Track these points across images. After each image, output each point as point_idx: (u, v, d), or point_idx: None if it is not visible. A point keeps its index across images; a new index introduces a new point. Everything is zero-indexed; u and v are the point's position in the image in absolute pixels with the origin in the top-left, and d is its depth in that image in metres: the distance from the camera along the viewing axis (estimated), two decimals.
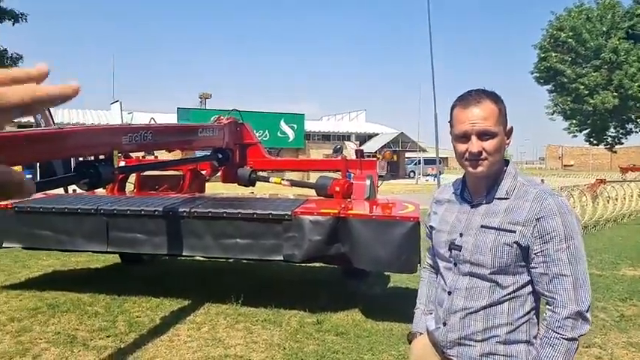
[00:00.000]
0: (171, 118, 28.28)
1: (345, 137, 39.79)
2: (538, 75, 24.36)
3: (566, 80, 22.34)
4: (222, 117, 5.55)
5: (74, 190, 5.25)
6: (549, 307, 1.33)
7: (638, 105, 21.15)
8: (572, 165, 69.07)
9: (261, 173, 5.90)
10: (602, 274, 6.03)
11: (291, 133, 33.68)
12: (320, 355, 3.52)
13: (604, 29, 21.70)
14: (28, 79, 0.42)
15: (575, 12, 22.72)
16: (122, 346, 3.57)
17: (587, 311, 1.30)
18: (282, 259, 4.07)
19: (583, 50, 22.03)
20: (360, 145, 35.50)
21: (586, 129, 24.58)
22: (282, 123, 33.27)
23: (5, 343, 3.58)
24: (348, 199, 4.79)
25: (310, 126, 37.64)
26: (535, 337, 1.38)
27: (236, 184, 5.69)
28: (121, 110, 27.23)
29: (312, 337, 3.82)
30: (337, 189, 5.01)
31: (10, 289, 4.95)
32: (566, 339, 1.28)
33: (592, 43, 21.74)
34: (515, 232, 1.33)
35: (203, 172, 6.22)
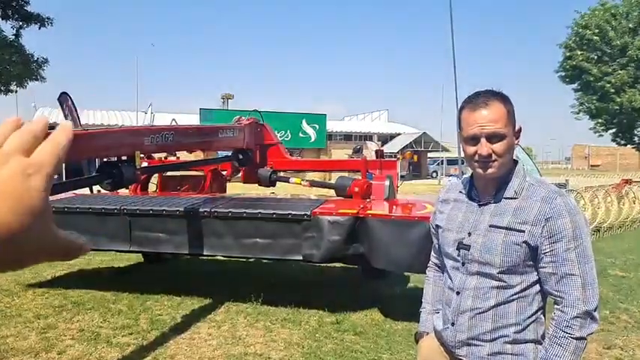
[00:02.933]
0: (193, 119, 28.71)
1: (367, 137, 39.65)
2: (563, 74, 23.86)
3: (591, 79, 21.83)
4: (242, 118, 5.60)
5: (98, 191, 5.38)
6: (558, 307, 1.33)
7: None
8: (599, 165, 67.32)
9: (281, 174, 5.93)
10: (627, 275, 5.88)
11: (312, 134, 33.72)
12: (338, 354, 3.52)
13: (630, 26, 21.13)
14: (43, 134, 0.41)
15: (601, 10, 22.18)
16: (144, 344, 3.64)
17: (595, 310, 1.30)
18: (301, 258, 4.09)
19: (609, 48, 21.50)
20: (382, 145, 35.36)
21: (612, 128, 23.94)
22: (304, 123, 33.34)
23: (31, 339, 3.69)
24: (368, 200, 4.78)
25: (332, 126, 37.64)
26: (542, 336, 1.38)
27: (257, 185, 5.74)
28: (151, 112, 27.78)
29: (331, 337, 3.83)
30: (356, 189, 5.00)
31: (36, 287, 5.09)
32: (575, 338, 1.28)
33: (618, 41, 21.19)
34: (524, 231, 1.34)
35: (224, 173, 6.30)
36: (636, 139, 24.21)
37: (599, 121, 23.83)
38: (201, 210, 4.29)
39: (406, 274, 5.43)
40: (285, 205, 4.50)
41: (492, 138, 1.35)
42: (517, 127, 1.42)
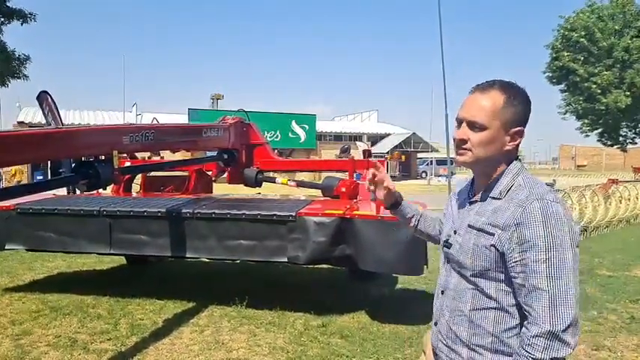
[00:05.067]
0: (183, 119, 28.44)
1: (357, 137, 39.67)
2: (550, 74, 24.09)
3: (578, 79, 22.06)
4: (228, 117, 5.50)
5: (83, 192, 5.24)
6: (525, 322, 1.21)
7: None
8: (585, 165, 68.12)
9: (268, 174, 5.84)
10: (614, 274, 5.88)
11: (302, 134, 33.66)
12: (323, 359, 3.43)
13: (616, 28, 21.39)
14: None
15: (587, 11, 22.41)
16: (123, 350, 3.52)
17: (564, 332, 1.14)
18: (286, 260, 4.01)
19: (595, 49, 21.73)
20: (372, 146, 35.41)
21: (598, 128, 24.21)
22: (294, 123, 33.26)
23: (4, 346, 3.54)
24: (355, 200, 4.70)
25: (322, 126, 37.60)
26: None
27: (242, 185, 5.64)
28: (137, 112, 27.51)
29: (317, 340, 3.74)
30: (343, 190, 4.93)
31: (13, 291, 4.94)
32: (535, 359, 1.15)
33: (604, 43, 21.43)
34: (493, 234, 1.25)
35: (209, 173, 6.18)
36: (621, 139, 24.51)
37: (586, 121, 24.08)
38: (184, 211, 4.19)
39: (393, 275, 5.36)
40: (270, 205, 4.41)
41: (473, 126, 1.29)
42: (515, 129, 1.29)
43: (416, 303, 4.82)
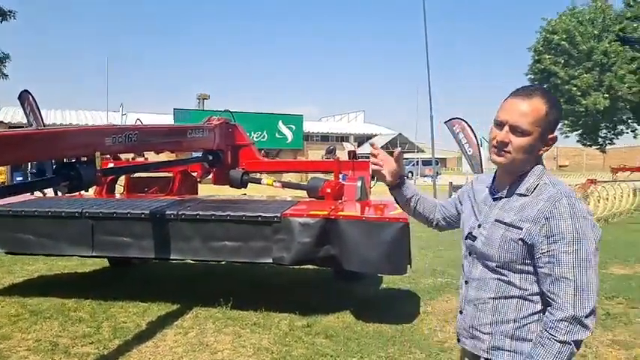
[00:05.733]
0: (169, 120, 28.19)
1: (344, 138, 39.83)
2: (532, 76, 24.45)
3: (559, 82, 22.45)
4: (213, 118, 5.49)
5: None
6: (549, 308, 1.31)
7: (627, 106, 21.26)
8: (567, 165, 69.27)
9: (253, 175, 5.84)
10: None
11: (289, 134, 33.64)
12: (308, 359, 3.45)
13: (595, 32, 21.83)
14: None
15: (568, 15, 22.84)
16: (105, 353, 3.48)
17: (586, 317, 1.25)
18: (271, 261, 4.01)
19: (575, 52, 22.15)
20: (358, 146, 35.54)
21: (578, 130, 24.67)
22: (281, 124, 33.23)
23: None
24: (339, 201, 4.73)
25: (309, 127, 37.63)
26: None
27: (228, 186, 5.63)
28: (123, 113, 27.18)
29: (302, 341, 3.75)
30: (328, 190, 4.96)
31: None
32: (558, 341, 1.25)
33: (584, 46, 21.85)
34: (522, 229, 1.33)
35: (194, 174, 6.15)
36: (600, 140, 25.01)
37: (566, 122, 24.50)
38: (168, 212, 4.16)
39: (378, 275, 5.40)
40: (255, 207, 4.41)
41: (515, 130, 1.34)
42: (552, 136, 1.39)
43: (400, 302, 4.86)
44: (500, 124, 1.38)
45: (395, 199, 1.81)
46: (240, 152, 5.67)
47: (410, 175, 36.37)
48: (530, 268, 1.35)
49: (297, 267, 5.17)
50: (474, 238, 1.46)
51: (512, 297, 1.37)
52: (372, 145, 1.79)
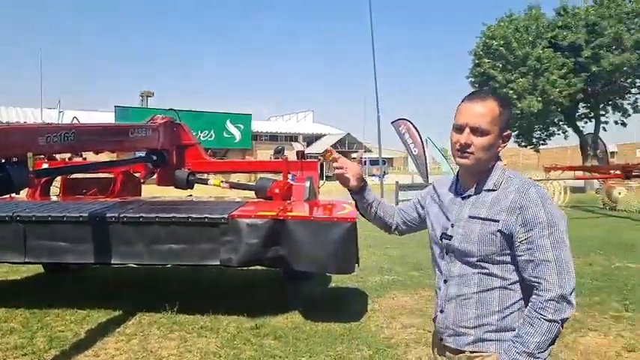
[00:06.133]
0: (110, 118, 26.97)
1: (293, 138, 39.79)
2: (473, 80, 25.55)
3: (497, 85, 23.55)
4: (157, 116, 5.32)
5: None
6: (534, 291, 1.36)
7: (558, 109, 22.70)
8: (505, 164, 72.72)
9: (200, 175, 5.71)
10: None
11: (237, 134, 33.18)
12: None
13: (530, 39, 23.11)
14: None
15: (506, 22, 24.04)
16: None
17: (570, 294, 1.33)
18: (219, 263, 3.95)
19: (512, 58, 23.34)
20: (307, 146, 35.61)
21: (515, 131, 26.06)
22: (229, 123, 32.69)
23: None
24: (288, 201, 4.73)
25: (257, 126, 37.27)
26: None
27: (173, 187, 5.48)
28: (60, 110, 25.65)
29: (250, 343, 3.72)
30: (277, 191, 4.95)
31: None
32: (547, 320, 1.31)
33: (520, 52, 23.07)
34: (498, 221, 1.39)
35: (137, 175, 5.94)
36: (534, 140, 26.57)
37: None
38: (108, 215, 3.99)
39: (327, 275, 5.45)
40: (201, 208, 4.33)
41: (475, 131, 1.41)
42: (506, 133, 1.47)
43: (348, 300, 4.94)
44: (460, 128, 1.44)
45: (356, 205, 1.82)
46: (186, 152, 5.54)
47: None
48: (509, 258, 1.41)
49: (245, 268, 5.13)
50: (450, 237, 1.49)
51: (494, 288, 1.43)
52: (329, 151, 1.79)
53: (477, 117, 1.41)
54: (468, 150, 1.43)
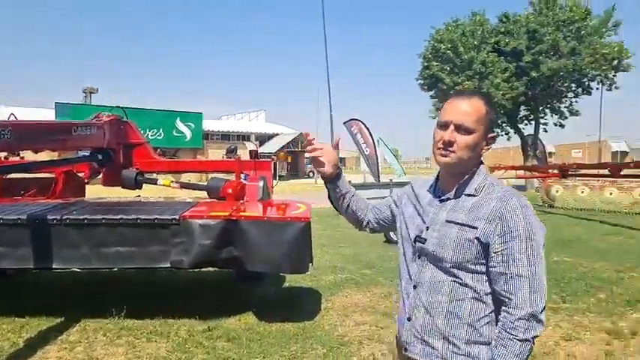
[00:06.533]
0: (50, 115, 25.54)
1: (245, 137, 39.35)
2: (422, 82, 26.30)
3: (445, 87, 24.37)
4: (102, 114, 5.11)
5: None
6: (504, 308, 1.31)
7: (502, 111, 23.80)
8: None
9: (149, 175, 5.54)
10: None
11: (188, 133, 32.39)
12: None
13: (475, 43, 24.08)
14: None
15: (452, 26, 24.91)
16: None
17: (541, 313, 1.29)
18: (169, 265, 3.85)
19: (459, 61, 24.23)
20: (260, 146, 35.31)
21: None
22: (179, 122, 31.85)
23: None
24: (241, 201, 4.68)
25: (209, 125, 36.57)
26: None
27: (120, 188, 5.27)
28: None
29: (202, 346, 3.65)
30: (230, 191, 4.88)
31: None
32: (519, 340, 1.27)
33: (466, 56, 23.97)
34: (477, 228, 1.33)
35: (80, 175, 5.67)
36: None
37: None
38: (50, 217, 3.79)
39: (281, 275, 5.44)
40: (151, 209, 4.20)
41: (459, 129, 1.36)
42: (491, 134, 1.42)
43: (302, 300, 4.95)
44: (444, 125, 1.39)
45: (329, 195, 1.72)
46: (134, 151, 5.36)
47: (312, 174, 37.14)
48: (483, 268, 1.35)
49: (196, 270, 5.02)
50: (424, 240, 1.43)
51: (466, 299, 1.36)
52: (305, 134, 1.69)
53: (462, 114, 1.37)
54: (450, 148, 1.38)
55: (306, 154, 1.62)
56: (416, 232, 1.47)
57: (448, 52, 24.20)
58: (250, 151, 5.62)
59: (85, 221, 3.80)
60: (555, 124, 24.60)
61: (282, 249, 3.77)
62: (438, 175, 1.53)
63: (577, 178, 13.14)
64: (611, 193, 13.73)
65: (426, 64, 25.71)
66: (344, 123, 15.87)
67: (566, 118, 24.60)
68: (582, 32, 22.56)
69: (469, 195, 1.40)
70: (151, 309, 4.26)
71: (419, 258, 1.45)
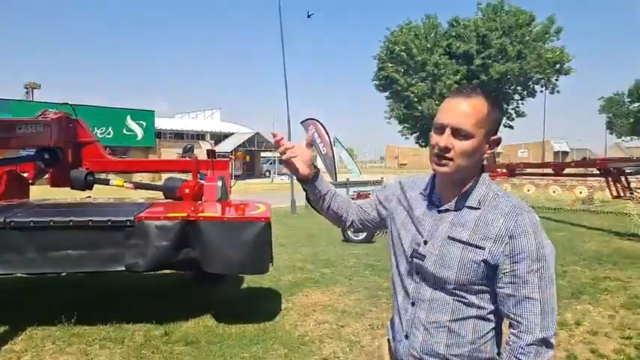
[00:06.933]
0: None
1: (200, 136, 38.60)
2: (377, 83, 26.76)
3: (399, 88, 24.94)
4: (49, 111, 4.86)
5: None
6: (513, 331, 1.22)
7: None
8: (406, 164, 77.41)
9: (100, 175, 5.32)
10: None
11: (139, 131, 31.38)
12: None
13: (428, 46, 24.78)
14: None
15: (406, 29, 25.51)
16: None
17: (552, 338, 1.19)
18: (124, 269, 3.71)
19: (412, 63, 24.84)
20: (215, 145, 34.72)
21: (416, 132, 27.79)
22: (129, 120, 30.77)
23: None
24: (199, 202, 4.58)
25: (161, 124, 35.61)
26: (498, 354, 1.29)
27: (69, 188, 5.03)
28: None
29: (160, 351, 3.55)
30: (187, 191, 4.77)
31: None
32: None
33: (419, 57, 24.62)
34: (484, 248, 1.21)
35: (24, 175, 5.37)
36: None
37: (406, 125, 27.43)
38: None
39: (239, 275, 5.38)
40: (104, 210, 4.04)
41: (457, 133, 1.21)
42: (495, 137, 1.27)
43: (261, 300, 4.91)
44: (440, 128, 1.24)
45: (307, 196, 1.57)
46: (83, 150, 5.13)
47: (268, 173, 36.94)
48: (488, 288, 1.25)
49: (152, 273, 4.87)
50: (422, 257, 1.29)
51: (469, 317, 1.26)
52: (274, 134, 1.50)
53: (460, 117, 1.21)
54: (447, 155, 1.22)
55: (281, 157, 1.47)
56: (413, 247, 1.33)
57: (402, 53, 24.75)
58: (208, 151, 5.52)
59: (32, 224, 3.60)
60: (505, 126, 25.77)
61: (242, 250, 3.72)
62: (433, 178, 1.38)
63: (524, 177, 13.77)
64: (554, 191, 14.52)
65: (380, 65, 26.19)
66: (301, 122, 15.86)
67: (513, 119, 25.78)
68: (527, 38, 23.71)
69: (472, 207, 1.26)
70: (104, 314, 4.10)
71: (416, 274, 1.33)
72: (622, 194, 9.64)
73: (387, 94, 27.28)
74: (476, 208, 1.25)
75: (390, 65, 25.25)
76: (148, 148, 31.75)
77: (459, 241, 1.24)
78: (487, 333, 1.27)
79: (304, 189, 1.55)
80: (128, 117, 30.94)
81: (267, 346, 3.69)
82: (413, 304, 1.33)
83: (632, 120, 59.33)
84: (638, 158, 10.19)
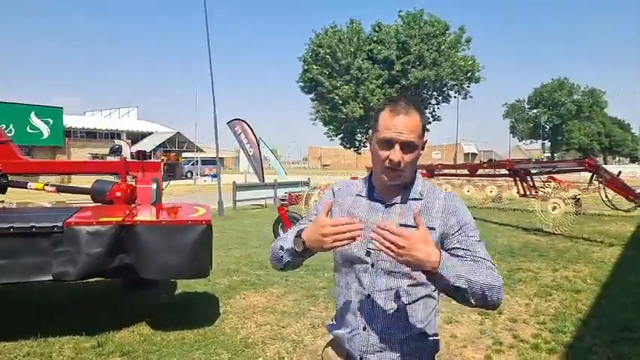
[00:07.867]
0: None
1: (115, 135, 36.46)
2: (302, 84, 27.02)
3: (324, 91, 25.39)
4: None
5: None
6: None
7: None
8: (329, 165, 78.84)
9: (14, 178, 4.88)
10: None
11: (45, 129, 29.04)
12: None
13: (352, 50, 25.49)
14: None
15: (331, 32, 26.02)
16: None
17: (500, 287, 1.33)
18: (51, 278, 3.45)
19: (337, 66, 25.40)
20: (132, 144, 32.97)
21: (341, 134, 28.45)
22: (34, 116, 28.33)
23: None
24: (133, 205, 4.38)
25: (71, 121, 33.15)
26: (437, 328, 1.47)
27: None
28: None
29: None
30: (118, 194, 4.52)
31: None
32: (488, 267, 1.32)
33: (343, 61, 25.24)
34: (435, 228, 1.37)
35: None
36: (357, 143, 29.43)
37: (331, 127, 27.98)
38: None
39: (172, 280, 5.21)
40: (25, 215, 3.72)
41: (406, 147, 1.35)
42: (425, 140, 1.43)
43: (199, 305, 4.80)
44: (388, 144, 1.36)
45: (288, 262, 1.51)
46: None
47: (190, 174, 35.77)
48: None
49: (79, 281, 4.57)
50: (379, 250, 1.32)
51: (421, 297, 1.40)
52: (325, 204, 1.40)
53: (407, 133, 1.35)
54: (399, 168, 1.36)
55: (325, 240, 1.33)
56: (367, 244, 1.40)
57: (327, 56, 25.22)
58: (138, 152, 5.27)
59: None
60: None
61: (183, 254, 3.62)
62: (369, 180, 1.50)
63: (441, 177, 14.65)
64: (468, 191, 15.60)
65: (306, 67, 26.49)
66: (227, 123, 15.60)
67: (429, 123, 27.27)
68: (442, 46, 25.23)
69: (415, 199, 1.42)
70: (27, 327, 3.78)
71: (372, 267, 1.41)
72: (528, 193, 10.67)
73: (312, 95, 27.65)
74: (419, 199, 1.42)
75: (315, 67, 25.62)
76: (56, 148, 29.47)
77: (411, 226, 1.33)
78: (433, 309, 1.44)
79: (298, 255, 1.46)
80: (32, 114, 28.54)
81: (209, 351, 3.63)
82: (369, 295, 1.40)
83: (531, 125, 65.50)
84: (539, 160, 11.30)
